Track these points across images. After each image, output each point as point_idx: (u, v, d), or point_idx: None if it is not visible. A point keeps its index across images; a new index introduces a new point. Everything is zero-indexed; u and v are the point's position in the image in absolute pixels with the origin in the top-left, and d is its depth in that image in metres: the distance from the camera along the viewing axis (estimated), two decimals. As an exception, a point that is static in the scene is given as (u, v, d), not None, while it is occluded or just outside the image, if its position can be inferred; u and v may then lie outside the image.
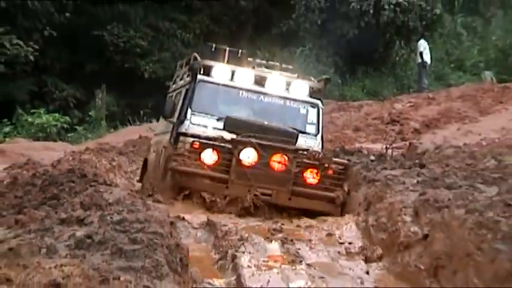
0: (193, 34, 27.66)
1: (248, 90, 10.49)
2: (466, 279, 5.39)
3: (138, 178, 12.81)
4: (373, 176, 9.33)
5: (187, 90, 10.41)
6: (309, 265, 6.94)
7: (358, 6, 26.83)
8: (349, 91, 26.88)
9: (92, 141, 20.02)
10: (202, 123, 9.90)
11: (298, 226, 8.61)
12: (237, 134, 9.36)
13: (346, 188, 9.45)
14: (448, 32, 32.53)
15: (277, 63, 11.40)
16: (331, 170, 9.44)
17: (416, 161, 11.15)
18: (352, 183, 9.60)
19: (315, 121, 10.64)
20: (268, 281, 6.27)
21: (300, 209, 9.39)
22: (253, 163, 9.22)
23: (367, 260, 7.17)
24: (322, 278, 6.50)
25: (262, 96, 10.53)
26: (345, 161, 9.87)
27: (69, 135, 22.43)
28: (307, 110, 10.66)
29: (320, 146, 10.49)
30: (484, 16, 35.02)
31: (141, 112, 23.72)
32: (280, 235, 8.04)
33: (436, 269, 6.06)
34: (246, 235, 7.75)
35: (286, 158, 9.27)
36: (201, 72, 10.42)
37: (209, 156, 9.22)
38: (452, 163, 10.73)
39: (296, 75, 11.10)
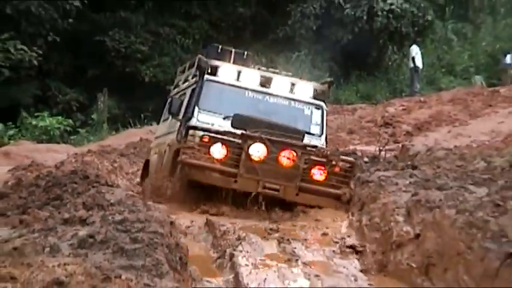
0: (193, 39, 27.66)
1: (254, 91, 10.43)
2: (457, 277, 5.39)
3: (138, 180, 12.77)
4: (366, 177, 9.32)
5: (194, 90, 10.36)
6: (304, 264, 6.94)
7: (352, 13, 26.85)
8: (344, 95, 26.89)
9: (94, 143, 20.00)
10: (208, 121, 9.76)
11: (294, 226, 8.60)
12: (245, 131, 9.26)
13: (352, 186, 9.37)
14: (439, 38, 32.57)
15: (277, 70, 11.36)
16: (338, 167, 9.36)
17: (409, 162, 11.16)
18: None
19: (319, 122, 10.56)
20: (265, 279, 6.27)
21: (306, 205, 9.30)
22: (262, 158, 9.13)
23: (360, 259, 7.16)
24: (317, 276, 6.50)
25: (267, 97, 10.48)
26: (352, 159, 9.81)
27: (72, 137, 22.40)
28: (312, 111, 10.58)
29: (324, 147, 10.31)
30: (474, 22, 35.07)
31: (142, 115, 23.70)
32: (276, 235, 8.04)
33: (428, 267, 6.06)
34: (244, 234, 7.75)
35: (295, 154, 9.18)
36: (208, 72, 10.36)
37: (218, 151, 9.14)
38: (443, 165, 10.74)
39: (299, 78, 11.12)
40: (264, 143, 9.07)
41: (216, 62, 10.48)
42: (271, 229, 8.24)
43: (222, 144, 9.13)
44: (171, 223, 6.44)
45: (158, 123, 13.62)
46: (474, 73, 31.64)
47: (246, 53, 11.41)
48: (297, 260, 7.03)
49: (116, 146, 17.52)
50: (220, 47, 11.37)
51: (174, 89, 12.09)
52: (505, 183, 8.01)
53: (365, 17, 26.88)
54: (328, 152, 9.47)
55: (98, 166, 12.87)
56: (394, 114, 19.65)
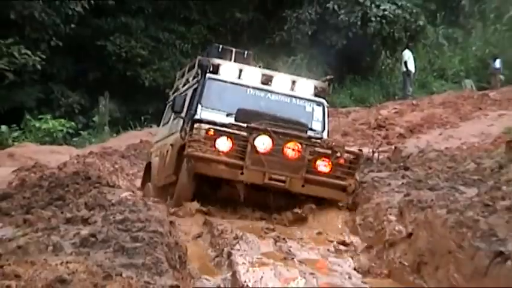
0: (192, 44, 27.63)
1: (255, 88, 10.24)
2: (448, 274, 5.40)
3: (139, 185, 12.52)
4: (360, 178, 9.32)
5: (195, 89, 10.15)
6: (300, 262, 6.94)
7: (347, 18, 26.85)
8: (338, 98, 26.82)
9: (95, 145, 19.98)
10: (212, 118, 9.40)
11: (289, 226, 8.59)
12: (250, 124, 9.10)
13: (357, 177, 9.25)
14: (431, 43, 32.57)
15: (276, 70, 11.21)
16: (343, 159, 9.10)
17: (401, 164, 11.19)
18: None
19: (321, 119, 10.34)
20: (262, 277, 6.28)
21: (312, 196, 9.12)
22: (268, 150, 8.91)
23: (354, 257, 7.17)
24: (312, 274, 6.50)
25: (269, 94, 10.30)
26: (357, 151, 9.58)
27: (74, 139, 22.37)
28: (313, 108, 10.38)
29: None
30: (465, 28, 35.08)
31: (142, 118, 23.68)
32: (273, 234, 8.04)
33: (419, 265, 6.07)
34: (241, 234, 7.75)
35: (300, 146, 8.97)
36: (210, 70, 10.18)
37: (224, 143, 8.95)
38: (435, 166, 10.76)
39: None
40: (269, 135, 8.90)
41: (217, 61, 10.33)
42: (267, 228, 8.25)
43: (228, 137, 8.95)
44: (171, 222, 6.45)
45: (158, 125, 13.52)
46: (464, 77, 31.65)
47: (246, 52, 11.26)
48: (292, 258, 7.03)
49: (117, 148, 17.51)
50: (221, 46, 11.22)
51: (174, 93, 11.87)
52: (494, 183, 8.03)
53: (359, 23, 26.88)
54: (333, 144, 9.25)
55: (99, 167, 12.85)
56: (387, 117, 19.65)
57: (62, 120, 22.52)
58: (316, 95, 10.53)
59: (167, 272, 4.70)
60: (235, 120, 9.25)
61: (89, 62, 25.62)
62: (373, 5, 27.08)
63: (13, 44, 21.89)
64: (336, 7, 27.10)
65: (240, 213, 9.16)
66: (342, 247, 7.64)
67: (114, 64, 26.01)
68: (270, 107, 10.04)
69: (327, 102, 10.55)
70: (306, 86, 10.54)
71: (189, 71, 11.21)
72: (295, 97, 10.39)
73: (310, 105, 10.39)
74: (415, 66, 26.86)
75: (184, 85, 11.19)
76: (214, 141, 8.93)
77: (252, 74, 10.34)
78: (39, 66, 22.49)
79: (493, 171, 9.52)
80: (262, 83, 10.33)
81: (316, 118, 10.31)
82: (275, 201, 9.24)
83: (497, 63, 30.53)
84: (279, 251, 7.34)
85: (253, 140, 8.88)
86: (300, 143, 8.98)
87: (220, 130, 8.97)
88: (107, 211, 6.50)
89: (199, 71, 10.24)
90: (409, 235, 6.61)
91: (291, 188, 9.01)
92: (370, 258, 7.15)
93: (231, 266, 6.71)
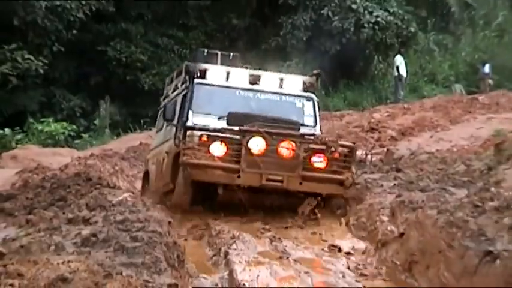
0: (190, 49, 27.57)
1: (244, 89, 10.01)
2: (438, 273, 5.41)
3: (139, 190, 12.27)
4: (354, 179, 9.29)
5: (185, 95, 9.91)
6: (295, 261, 6.94)
7: (340, 25, 26.84)
8: (332, 102, 26.86)
9: (96, 147, 19.95)
10: (203, 123, 9.22)
11: (286, 228, 8.54)
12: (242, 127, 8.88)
13: (354, 170, 9.04)
14: (422, 49, 32.60)
15: (264, 70, 10.97)
16: (338, 153, 8.88)
17: (393, 165, 11.18)
18: None
19: (312, 114, 10.09)
20: (258, 276, 6.27)
21: (310, 193, 8.93)
22: (262, 151, 8.70)
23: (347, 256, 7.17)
24: (307, 272, 6.50)
25: (258, 94, 10.07)
26: (351, 144, 9.39)
27: (75, 142, 22.33)
28: (303, 104, 10.14)
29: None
30: (455, 34, 35.12)
31: (142, 121, 23.63)
32: (268, 234, 8.03)
33: (411, 264, 6.08)
34: (238, 234, 7.75)
35: (294, 144, 8.76)
36: (198, 75, 9.92)
37: (218, 148, 8.72)
38: (426, 168, 10.76)
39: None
40: (263, 136, 8.69)
41: (204, 65, 10.07)
42: (263, 228, 8.24)
43: (221, 141, 8.73)
44: (169, 223, 6.45)
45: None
46: (454, 82, 31.70)
47: (232, 54, 11.00)
48: (287, 257, 7.03)
49: (117, 150, 17.48)
50: (206, 50, 10.99)
51: (164, 99, 11.58)
52: (484, 185, 8.05)
53: (352, 29, 26.88)
54: (327, 139, 9.02)
55: (100, 169, 12.83)
56: (380, 120, 19.63)
57: (64, 123, 22.49)
58: (305, 90, 10.30)
59: (166, 271, 4.70)
60: (227, 124, 9.05)
61: (90, 67, 25.61)
62: (366, 12, 27.09)
63: (16, 50, 21.89)
64: (330, 14, 27.11)
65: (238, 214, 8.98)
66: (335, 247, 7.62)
67: (115, 69, 25.99)
68: (260, 106, 9.86)
69: (317, 97, 10.35)
70: (294, 82, 10.31)
71: (177, 76, 10.94)
72: (285, 94, 10.16)
73: (300, 101, 10.19)
74: (407, 71, 26.87)
75: (173, 91, 10.95)
76: (208, 147, 8.72)
77: (240, 76, 10.11)
78: (41, 71, 22.49)
79: (482, 172, 9.53)
80: (251, 83, 10.10)
81: (307, 113, 10.10)
82: (274, 201, 9.09)
83: (486, 68, 30.62)
84: (274, 250, 7.34)
85: (247, 142, 8.69)
86: (294, 141, 8.80)
87: (213, 135, 8.78)
88: (108, 212, 6.50)
89: (187, 77, 10.02)
90: (401, 235, 6.62)
91: (288, 186, 8.80)
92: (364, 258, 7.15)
93: (228, 265, 6.71)
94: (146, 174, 11.48)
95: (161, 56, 27.38)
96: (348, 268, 6.79)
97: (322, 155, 8.90)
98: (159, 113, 11.49)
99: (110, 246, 4.97)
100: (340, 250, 7.44)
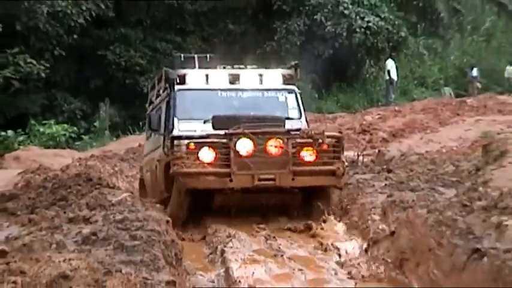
0: (188, 53, 27.61)
1: (225, 90, 9.70)
2: (428, 270, 5.42)
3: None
4: (346, 180, 9.30)
5: (168, 102, 9.65)
6: (289, 258, 6.94)
7: (333, 30, 26.87)
8: (325, 104, 26.91)
9: (96, 148, 19.93)
10: (190, 129, 8.99)
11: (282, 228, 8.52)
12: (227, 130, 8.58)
13: (344, 159, 8.80)
14: (412, 53, 32.67)
15: (243, 65, 10.54)
16: (326, 144, 8.57)
17: (384, 166, 11.19)
18: None
19: (296, 106, 9.78)
20: (253, 273, 6.28)
21: (305, 188, 8.76)
22: (251, 152, 8.42)
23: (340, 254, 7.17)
24: (301, 270, 6.51)
25: (240, 93, 9.76)
26: (338, 134, 9.05)
27: (76, 143, 22.30)
28: (286, 97, 9.84)
29: (306, 128, 9.46)
30: (444, 39, 35.20)
31: (141, 123, 23.61)
32: (263, 232, 8.03)
33: (401, 262, 6.08)
34: (234, 232, 7.75)
35: (281, 141, 8.48)
36: (177, 81, 9.62)
37: (207, 154, 8.43)
38: (416, 168, 10.78)
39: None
40: (249, 137, 8.41)
41: (182, 71, 9.75)
42: (258, 227, 8.22)
43: (209, 147, 8.45)
44: (167, 222, 6.45)
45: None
46: (444, 85, 31.84)
47: (208, 56, 10.59)
48: (282, 255, 7.02)
49: (117, 151, 17.47)
50: (182, 55, 10.62)
51: (150, 105, 11.31)
52: (472, 185, 8.08)
53: (344, 34, 26.91)
54: (313, 132, 8.69)
55: (100, 170, 12.83)
56: (371, 122, 19.65)
57: (65, 125, 22.46)
58: (285, 83, 9.99)
59: (164, 269, 4.71)
60: (213, 128, 8.82)
61: (90, 71, 25.56)
62: (358, 17, 27.14)
63: (19, 54, 21.86)
64: (323, 19, 27.15)
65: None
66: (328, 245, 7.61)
67: (114, 72, 25.95)
68: (244, 105, 9.62)
69: (298, 88, 10.04)
70: (274, 77, 9.99)
71: (158, 83, 10.67)
72: (266, 90, 9.89)
73: (282, 94, 9.90)
74: (398, 75, 26.94)
75: (156, 97, 10.67)
76: (197, 154, 8.43)
77: (219, 77, 9.77)
78: (43, 75, 22.45)
79: (470, 173, 9.56)
80: (231, 82, 9.80)
81: (291, 106, 9.82)
82: (270, 200, 8.86)
83: (474, 72, 30.75)
84: (269, 248, 7.34)
85: (234, 145, 8.42)
86: (281, 138, 8.53)
87: (200, 142, 8.51)
88: (107, 211, 6.50)
89: (168, 84, 9.76)
90: (392, 233, 6.62)
91: (281, 184, 8.54)
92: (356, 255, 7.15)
93: (224, 263, 6.71)
94: (142, 182, 11.29)
95: (159, 60, 27.31)
96: (342, 266, 6.79)
97: (310, 148, 8.62)
98: (147, 119, 11.15)
99: (110, 244, 4.97)
100: (332, 248, 7.44)
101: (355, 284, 6.10)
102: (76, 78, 25.67)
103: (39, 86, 23.42)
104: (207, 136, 8.56)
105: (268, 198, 8.89)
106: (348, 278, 6.39)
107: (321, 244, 7.54)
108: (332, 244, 7.51)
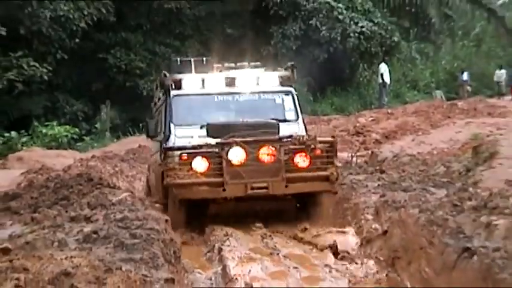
0: (186, 57, 27.60)
1: (222, 94, 9.48)
2: (419, 268, 5.42)
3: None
4: (340, 180, 9.29)
5: (165, 107, 9.43)
6: (285, 257, 6.94)
7: (328, 34, 26.91)
8: (320, 107, 26.94)
9: (97, 149, 19.91)
10: (187, 135, 8.82)
11: (278, 229, 8.51)
12: (220, 139, 8.39)
13: (337, 163, 8.63)
14: (405, 57, 32.73)
15: (246, 63, 10.35)
16: (319, 149, 8.40)
17: (377, 167, 11.21)
18: None
19: (292, 107, 9.58)
20: (250, 271, 6.28)
21: (298, 194, 8.63)
22: (243, 161, 8.24)
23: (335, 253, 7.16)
24: (296, 268, 6.51)
25: (237, 96, 9.52)
26: (330, 139, 8.79)
27: (78, 144, 22.29)
28: (283, 99, 9.64)
29: (303, 130, 9.37)
30: (435, 43, 35.30)
31: (140, 124, 23.61)
32: (260, 231, 8.03)
33: (394, 260, 6.08)
34: (231, 231, 7.75)
35: (273, 149, 8.29)
36: (173, 87, 9.46)
37: (200, 164, 8.27)
38: (408, 169, 10.79)
39: (263, 68, 10.24)
40: (241, 146, 8.22)
41: (178, 76, 9.55)
42: (255, 226, 8.22)
43: (202, 156, 8.28)
44: (166, 221, 6.44)
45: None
46: (435, 88, 31.87)
47: (205, 59, 10.34)
48: (278, 253, 7.02)
49: (117, 152, 17.45)
50: (179, 59, 10.40)
51: (154, 105, 11.14)
52: (462, 185, 8.09)
53: (339, 38, 26.96)
54: (305, 138, 8.43)
55: (101, 170, 12.81)
56: (365, 124, 19.66)
57: (67, 127, 22.44)
58: (282, 84, 9.80)
59: (163, 266, 4.71)
60: (208, 136, 8.59)
61: (91, 74, 25.53)
62: (352, 22, 27.20)
63: (22, 57, 21.83)
64: (318, 24, 27.18)
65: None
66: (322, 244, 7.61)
67: (115, 75, 25.94)
68: (241, 107, 9.42)
69: (295, 90, 9.86)
70: (271, 78, 9.81)
71: (156, 88, 10.51)
72: (263, 92, 9.66)
73: (279, 96, 9.68)
74: (390, 78, 26.99)
75: (159, 99, 10.46)
76: (190, 164, 8.27)
77: (215, 80, 9.58)
78: (46, 77, 22.42)
79: (461, 174, 9.57)
80: (227, 85, 9.57)
81: (288, 108, 9.61)
82: (264, 206, 8.80)
83: (465, 76, 30.83)
84: (265, 246, 7.34)
85: (227, 154, 8.24)
86: (273, 146, 8.34)
87: (193, 152, 8.31)
88: (108, 210, 6.49)
89: (164, 90, 9.60)
90: (385, 232, 6.63)
91: (274, 191, 8.39)
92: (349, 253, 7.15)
93: (221, 261, 6.71)
94: (148, 181, 11.18)
95: (159, 64, 27.29)
96: (336, 264, 6.80)
97: (303, 154, 8.42)
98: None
99: (110, 242, 4.97)
100: (326, 247, 7.43)
101: (349, 281, 6.09)
102: (78, 81, 25.64)
103: (42, 88, 23.39)
104: (200, 146, 8.36)
105: (263, 205, 8.78)
106: (342, 276, 6.39)
107: (316, 244, 7.53)
108: (326, 242, 7.51)
